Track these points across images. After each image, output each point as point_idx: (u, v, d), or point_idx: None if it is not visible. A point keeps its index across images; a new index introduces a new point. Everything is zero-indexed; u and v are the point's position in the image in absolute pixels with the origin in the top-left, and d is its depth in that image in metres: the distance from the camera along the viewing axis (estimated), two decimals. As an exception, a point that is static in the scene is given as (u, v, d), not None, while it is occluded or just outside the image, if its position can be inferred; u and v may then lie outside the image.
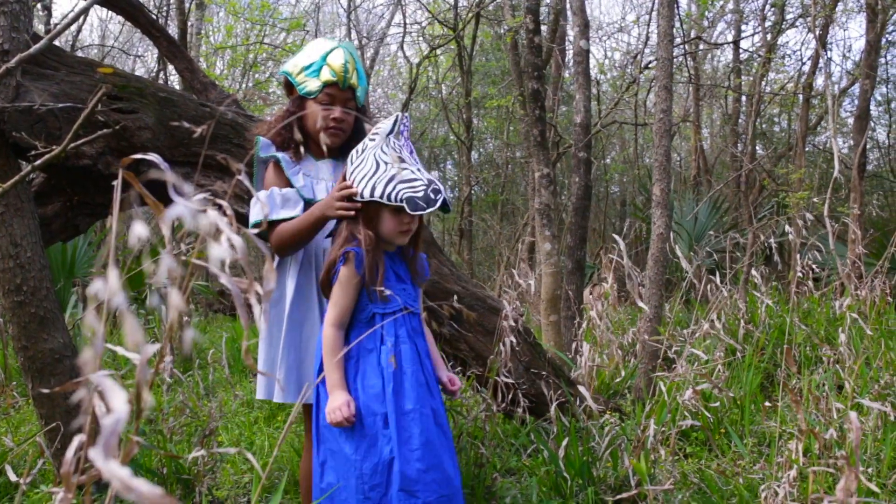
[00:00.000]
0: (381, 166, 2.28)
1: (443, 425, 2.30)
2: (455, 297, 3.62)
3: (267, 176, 2.64)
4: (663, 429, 3.20)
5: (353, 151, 2.35)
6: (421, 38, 13.70)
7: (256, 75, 13.96)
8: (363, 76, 2.74)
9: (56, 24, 11.51)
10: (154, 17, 4.47)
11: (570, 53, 11.53)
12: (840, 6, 10.33)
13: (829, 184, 7.00)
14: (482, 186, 16.94)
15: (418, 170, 2.30)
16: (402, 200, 2.24)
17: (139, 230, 0.85)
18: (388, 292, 2.30)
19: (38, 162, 1.66)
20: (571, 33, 8.11)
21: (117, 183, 1.24)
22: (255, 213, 2.58)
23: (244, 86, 13.35)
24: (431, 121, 16.77)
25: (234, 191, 3.14)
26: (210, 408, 3.26)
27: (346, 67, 2.66)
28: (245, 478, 3.49)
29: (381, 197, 2.25)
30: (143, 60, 16.03)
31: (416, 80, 11.87)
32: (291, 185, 2.60)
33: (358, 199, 2.29)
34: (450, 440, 2.31)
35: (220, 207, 1.04)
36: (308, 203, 2.58)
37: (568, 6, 7.76)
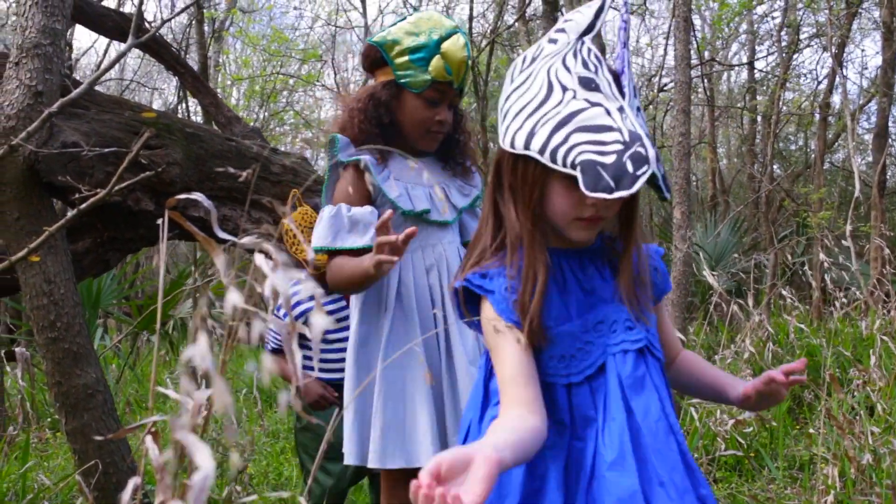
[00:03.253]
0: (553, 94, 1.27)
1: None
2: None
3: (340, 185, 2.05)
4: (696, 455, 3.18)
5: (518, 61, 1.37)
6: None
7: (273, 105, 14.10)
8: None
9: (77, 59, 11.69)
10: (178, 52, 4.54)
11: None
12: (855, 24, 10.34)
13: (849, 202, 6.98)
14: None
15: (621, 110, 1.25)
16: (575, 166, 1.22)
17: (234, 298, 0.87)
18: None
19: (85, 205, 1.69)
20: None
21: (163, 221, 1.27)
22: (317, 237, 2.02)
23: (261, 117, 13.49)
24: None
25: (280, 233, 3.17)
26: (243, 443, 3.27)
27: (467, 63, 2.07)
28: (275, 510, 3.49)
29: (542, 153, 1.25)
30: (161, 93, 16.24)
31: (432, 107, 11.94)
32: (371, 199, 2.04)
33: (507, 147, 1.32)
34: None
35: (266, 253, 1.06)
36: (407, 216, 2.03)
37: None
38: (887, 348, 4.38)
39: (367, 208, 2.01)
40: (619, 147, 1.21)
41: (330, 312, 2.78)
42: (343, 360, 2.69)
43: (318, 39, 15.16)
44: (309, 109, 17.16)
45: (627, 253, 1.38)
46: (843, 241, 5.58)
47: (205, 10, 8.53)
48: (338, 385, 2.76)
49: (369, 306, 2.07)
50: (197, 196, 1.19)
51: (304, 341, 2.65)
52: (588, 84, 1.26)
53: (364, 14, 13.47)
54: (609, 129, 1.22)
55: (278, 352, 2.86)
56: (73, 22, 3.99)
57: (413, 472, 2.06)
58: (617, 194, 1.20)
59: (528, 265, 1.32)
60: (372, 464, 1.98)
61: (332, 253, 1.99)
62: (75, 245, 3.25)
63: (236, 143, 3.47)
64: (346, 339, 2.69)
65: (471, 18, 10.95)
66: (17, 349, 4.29)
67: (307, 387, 2.76)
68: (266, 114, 13.69)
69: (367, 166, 2.02)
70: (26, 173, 2.77)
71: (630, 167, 1.20)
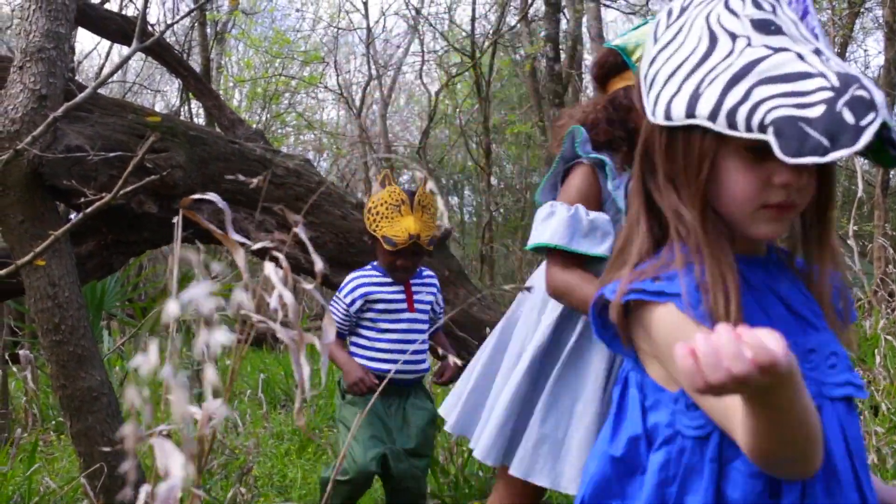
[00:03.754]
0: (718, 45, 0.98)
1: None
2: (484, 325, 3.64)
3: (573, 182, 1.93)
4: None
5: (661, 16, 1.08)
6: (438, 67, 13.84)
7: (275, 107, 14.13)
8: None
9: (79, 62, 11.72)
10: (180, 55, 4.56)
11: (587, 78, 11.58)
12: (857, 23, 10.33)
13: (852, 202, 6.97)
14: (502, 212, 17.00)
15: (818, 53, 0.95)
16: (764, 127, 0.91)
17: (172, 309, 0.86)
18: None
19: (91, 209, 1.70)
20: (589, 58, 8.17)
21: (178, 221, 1.27)
22: (552, 233, 1.88)
23: (263, 119, 13.52)
24: (450, 147, 16.87)
25: (293, 238, 3.16)
26: (248, 445, 3.28)
27: None
28: (280, 512, 3.49)
29: (713, 118, 0.95)
30: (164, 95, 16.27)
31: (435, 108, 11.96)
32: (602, 205, 1.92)
33: (660, 119, 1.02)
34: None
35: (276, 260, 1.05)
36: None
37: (585, 32, 7.83)
38: (891, 348, 4.38)
39: (605, 216, 1.89)
40: (828, 94, 0.89)
41: (389, 301, 2.80)
42: (395, 351, 2.79)
43: (320, 41, 15.20)
44: (311, 111, 17.19)
45: (823, 261, 1.07)
46: (849, 242, 5.58)
47: (207, 13, 8.55)
48: (382, 377, 2.74)
49: (565, 317, 1.98)
50: (211, 196, 1.19)
51: (363, 323, 2.81)
52: (765, 27, 0.95)
53: (366, 16, 13.49)
54: (807, 75, 0.91)
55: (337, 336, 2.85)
56: (76, 25, 4.00)
57: (533, 491, 1.99)
58: (835, 154, 0.87)
59: (711, 265, 0.98)
60: (515, 471, 1.92)
61: (562, 253, 1.88)
62: (79, 248, 3.26)
63: (239, 145, 3.48)
64: (399, 331, 2.79)
65: (473, 19, 10.96)
66: (21, 352, 4.30)
67: (348, 367, 2.75)
68: (268, 115, 13.71)
69: (606, 168, 1.90)
70: (30, 177, 2.78)
71: (849, 116, 0.87)
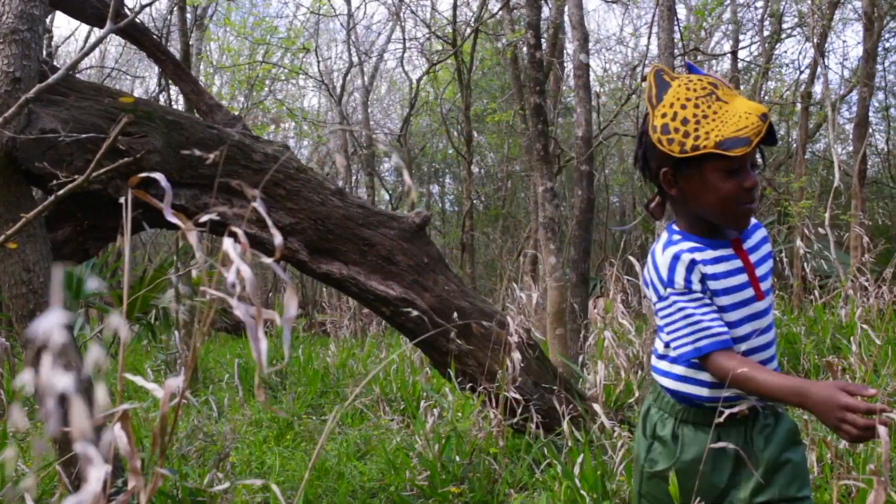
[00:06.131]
0: None
1: None
2: (462, 312, 3.64)
3: None
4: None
5: None
6: (420, 54, 13.79)
7: (255, 94, 14.02)
8: None
9: (57, 46, 11.57)
10: (158, 39, 4.51)
11: (568, 66, 11.58)
12: (837, 14, 10.39)
13: (829, 191, 7.04)
14: (483, 200, 17.00)
15: None
16: None
17: (114, 321, 0.85)
18: None
19: (62, 192, 1.68)
20: (570, 46, 8.16)
21: (126, 199, 1.26)
22: None
23: (244, 106, 13.42)
24: (431, 135, 16.84)
25: (251, 215, 3.14)
26: (225, 431, 3.27)
27: None
28: (257, 497, 3.49)
29: None
30: (143, 81, 16.11)
31: (416, 95, 11.92)
32: None
33: None
34: None
35: (234, 235, 1.04)
36: None
37: (567, 20, 7.82)
38: (867, 336, 4.43)
39: None
40: None
41: (730, 288, 1.72)
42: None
43: (302, 27, 15.10)
44: (291, 98, 17.10)
45: None
46: (821, 230, 5.63)
47: (186, -2, 8.46)
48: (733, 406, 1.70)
49: None
50: (156, 176, 1.19)
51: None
52: None
53: (347, 1, 13.40)
54: None
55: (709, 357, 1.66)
56: (52, 8, 3.95)
57: None
58: None
59: None
60: None
61: None
62: (54, 234, 3.22)
63: (218, 130, 3.45)
64: (752, 335, 1.74)
65: (455, 7, 10.91)
66: (-3, 339, 4.25)
67: (802, 389, 1.53)
68: (248, 104, 13.61)
69: None
70: (4, 161, 2.74)
71: None
